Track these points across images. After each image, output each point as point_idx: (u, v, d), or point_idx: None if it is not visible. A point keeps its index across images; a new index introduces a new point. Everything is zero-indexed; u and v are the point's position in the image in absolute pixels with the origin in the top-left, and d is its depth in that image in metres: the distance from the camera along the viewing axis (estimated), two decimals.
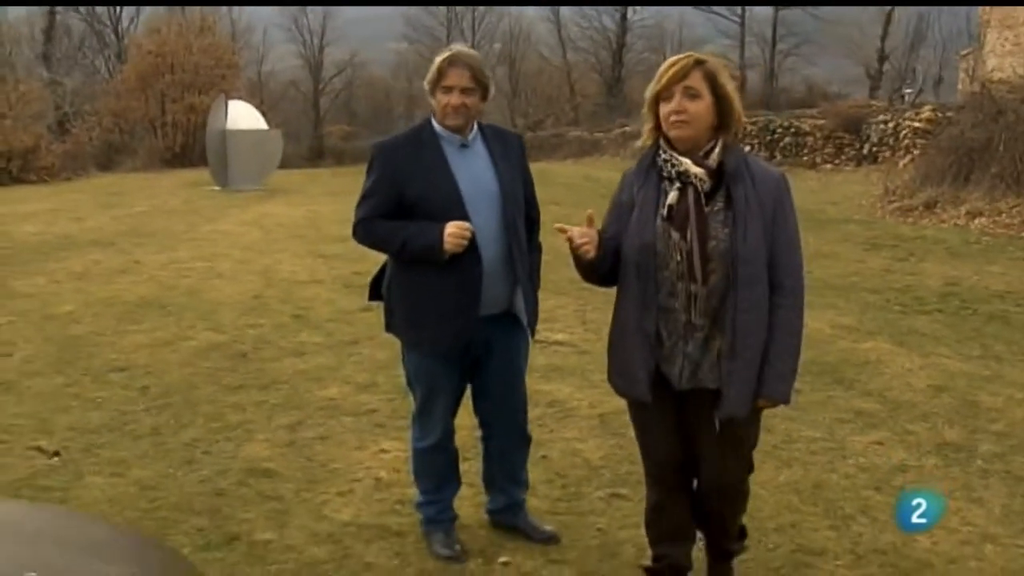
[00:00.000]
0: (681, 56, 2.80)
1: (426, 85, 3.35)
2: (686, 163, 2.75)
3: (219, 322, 7.39)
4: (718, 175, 2.76)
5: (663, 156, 2.80)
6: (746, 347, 2.73)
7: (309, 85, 55.87)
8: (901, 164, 18.15)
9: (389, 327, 3.60)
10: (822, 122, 22.42)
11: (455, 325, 3.33)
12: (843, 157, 21.75)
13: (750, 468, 3.08)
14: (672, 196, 2.76)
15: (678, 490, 3.10)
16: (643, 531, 3.70)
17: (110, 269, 9.91)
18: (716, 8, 53.73)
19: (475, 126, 3.41)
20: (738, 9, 53.32)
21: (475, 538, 3.71)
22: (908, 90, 41.29)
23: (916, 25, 52.25)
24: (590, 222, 2.83)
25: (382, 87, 62.23)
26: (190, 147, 31.83)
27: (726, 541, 3.17)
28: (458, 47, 3.40)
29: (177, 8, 38.32)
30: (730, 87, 2.77)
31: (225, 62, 34.78)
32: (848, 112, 22.35)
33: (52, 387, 5.72)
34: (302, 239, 12.26)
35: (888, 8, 50.56)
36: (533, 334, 3.56)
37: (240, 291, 8.66)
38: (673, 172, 2.77)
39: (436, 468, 3.67)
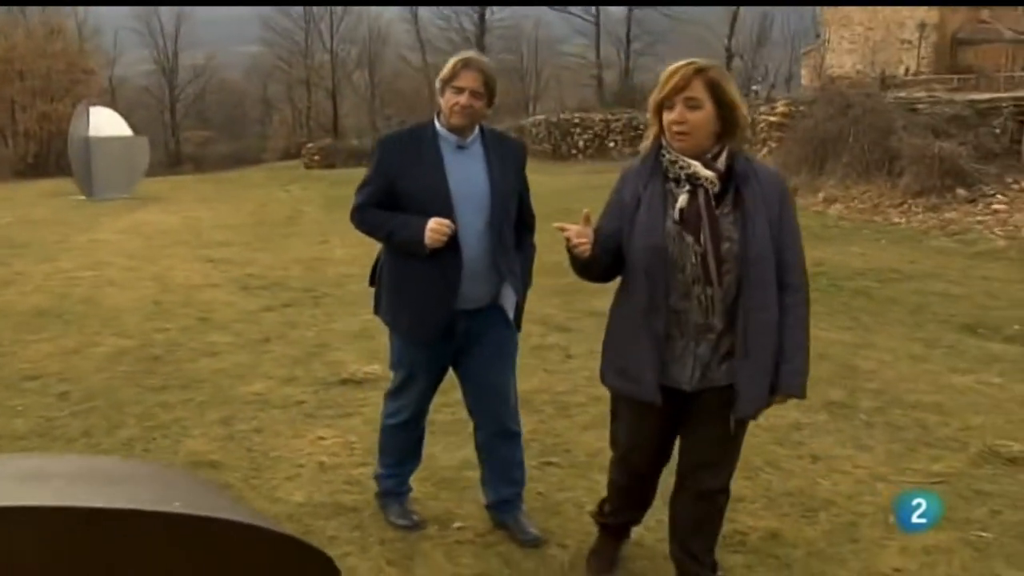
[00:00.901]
0: (682, 64, 2.78)
1: (438, 83, 3.46)
2: (696, 166, 2.75)
3: (123, 328, 7.39)
4: (725, 178, 2.78)
5: (669, 157, 2.80)
6: (759, 347, 2.76)
7: (163, 90, 54.39)
8: (760, 156, 19.12)
9: (376, 310, 3.77)
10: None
11: (432, 315, 3.48)
12: None
13: (733, 467, 3.08)
14: (683, 199, 2.77)
15: (652, 477, 3.23)
16: (580, 493, 4.09)
17: None
18: (571, 8, 54.91)
19: (477, 129, 3.52)
20: (592, 9, 54.62)
21: (428, 508, 3.98)
22: (755, 87, 43.07)
23: (760, 24, 54.64)
24: (586, 221, 2.84)
25: (236, 91, 61.14)
26: (44, 157, 30.68)
27: (699, 569, 3.16)
28: (471, 52, 3.57)
29: (17, 9, 36.81)
30: (734, 94, 2.75)
31: (79, 67, 33.62)
32: None
33: None
34: (185, 245, 12.18)
35: (734, 8, 52.69)
36: (518, 328, 3.68)
37: (137, 297, 8.63)
38: (682, 175, 2.77)
39: (401, 444, 3.86)
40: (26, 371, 6.23)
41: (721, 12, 53.28)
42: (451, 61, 3.45)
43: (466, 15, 54.50)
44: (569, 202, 15.98)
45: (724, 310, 2.78)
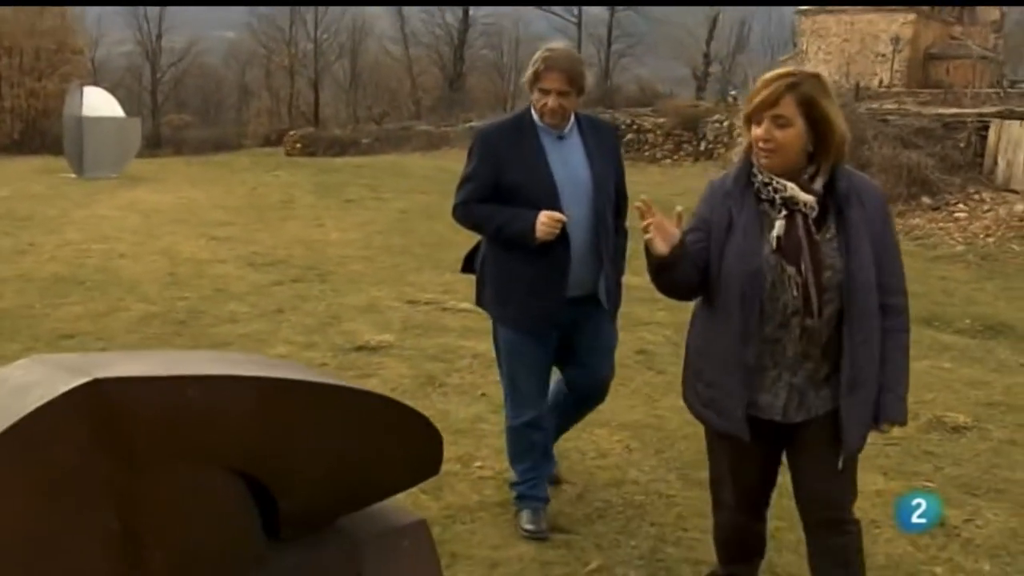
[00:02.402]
0: (775, 76, 2.60)
1: (523, 82, 3.53)
2: (792, 189, 2.57)
3: (146, 295, 7.89)
4: (824, 199, 2.60)
5: (761, 179, 2.62)
6: (866, 379, 2.62)
7: (146, 72, 54.43)
8: (736, 160, 19.77)
9: (479, 301, 3.79)
10: (662, 120, 24.00)
11: (542, 305, 3.49)
12: (681, 153, 23.40)
13: (854, 495, 2.85)
14: (779, 226, 2.59)
15: (762, 510, 3.03)
16: (582, 443, 4.68)
17: (7, 250, 10.11)
18: (554, 8, 55.51)
19: (572, 117, 3.53)
20: (575, 9, 55.25)
21: (448, 451, 4.55)
22: (732, 92, 43.82)
23: (739, 31, 55.53)
24: (679, 219, 2.64)
25: (214, 76, 61.22)
26: (30, 134, 30.87)
27: None
28: (555, 46, 3.60)
29: None
30: (831, 111, 2.55)
31: (69, 47, 33.77)
32: (686, 111, 24.06)
33: (12, 352, 6.16)
34: (185, 223, 12.61)
35: (714, 14, 53.52)
36: (614, 317, 3.73)
37: (150, 269, 9.12)
38: (777, 198, 2.59)
39: (529, 445, 3.76)
40: (61, 330, 6.74)
41: (701, 17, 54.11)
42: (533, 60, 3.49)
43: (450, 10, 54.99)
44: None
45: (823, 341, 2.63)
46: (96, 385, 1.88)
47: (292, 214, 13.83)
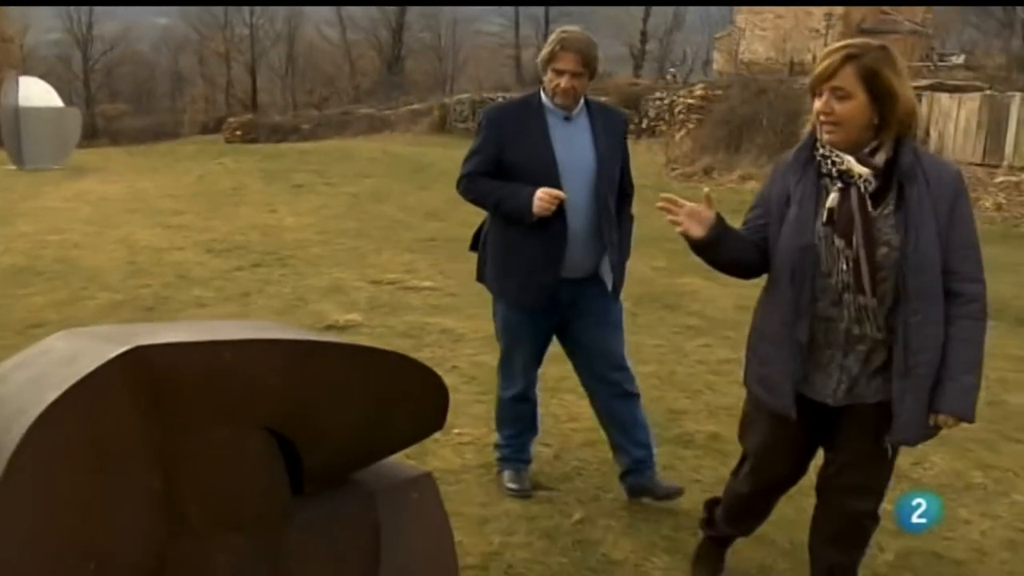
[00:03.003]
0: (836, 47, 2.56)
1: (538, 62, 3.59)
2: (849, 161, 2.51)
3: (108, 283, 7.94)
4: (887, 174, 2.52)
5: (822, 151, 2.56)
6: (920, 364, 2.52)
7: (76, 61, 53.38)
8: (678, 136, 20.20)
9: (480, 277, 3.87)
10: (604, 99, 24.28)
11: (538, 282, 3.56)
12: None
13: (882, 495, 2.84)
14: (832, 198, 2.53)
15: (778, 492, 3.04)
16: (553, 408, 4.90)
17: None
18: None
19: (582, 101, 3.59)
20: None
21: None
22: (672, 69, 44.31)
23: (675, 8, 55.96)
24: (708, 202, 2.66)
25: (146, 64, 60.18)
26: None
27: None
28: (570, 29, 3.58)
29: None
30: (895, 82, 2.47)
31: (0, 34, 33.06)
32: (627, 89, 24.39)
33: None
34: (138, 212, 12.59)
35: None
36: (617, 298, 3.75)
37: (110, 259, 9.15)
38: (834, 170, 2.53)
39: (516, 415, 3.96)
40: (28, 319, 6.77)
41: None
42: (549, 42, 3.57)
43: None
44: None
45: (879, 320, 2.55)
46: (139, 352, 2.05)
47: (243, 200, 13.85)
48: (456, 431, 4.58)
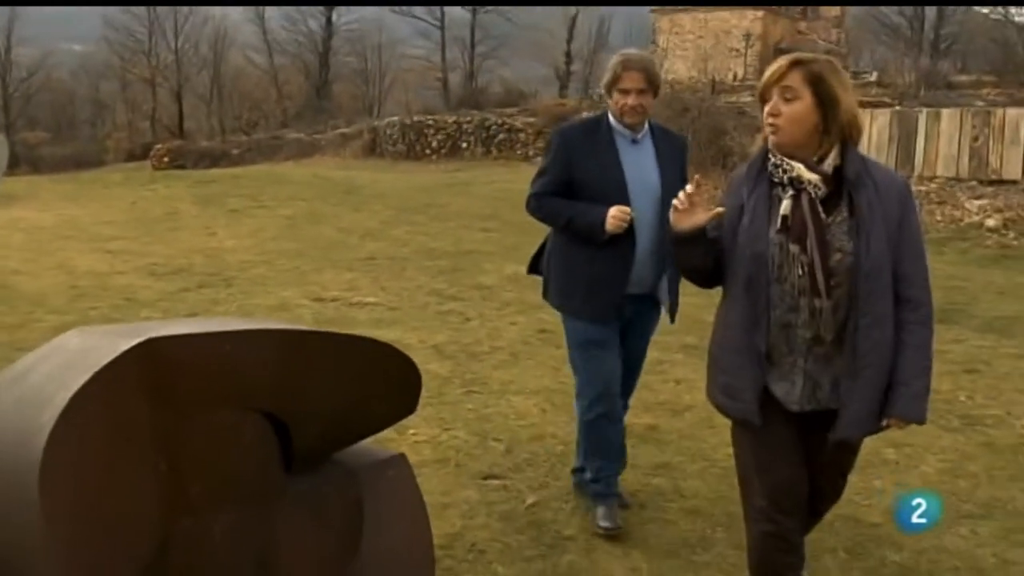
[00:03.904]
0: (784, 57, 2.67)
1: (603, 86, 3.68)
2: (798, 168, 2.58)
3: (55, 307, 8.04)
4: (836, 181, 2.60)
5: (773, 161, 2.64)
6: (867, 365, 2.58)
7: None
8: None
9: (545, 295, 3.94)
10: (532, 119, 24.80)
11: (604, 297, 3.63)
12: None
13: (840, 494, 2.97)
14: (785, 205, 2.60)
15: (797, 515, 2.84)
16: (502, 408, 5.21)
17: None
18: (416, 11, 55.92)
19: (647, 125, 3.71)
20: (437, 12, 55.79)
21: None
22: (599, 90, 45.03)
23: (598, 30, 57.00)
24: (697, 185, 2.70)
25: (65, 91, 59.34)
26: None
27: None
28: (628, 51, 3.74)
29: None
30: (838, 90, 2.57)
31: None
32: (555, 110, 24.89)
33: None
34: (73, 239, 12.57)
35: (573, 14, 54.85)
36: (673, 319, 3.86)
37: (52, 283, 9.21)
38: (785, 178, 2.61)
39: (603, 440, 3.82)
40: None
41: (560, 18, 55.34)
42: (611, 65, 3.66)
43: (313, 17, 54.85)
44: (433, 196, 17.20)
45: (835, 324, 2.61)
46: (151, 343, 2.32)
47: (180, 225, 13.92)
48: (411, 431, 4.85)
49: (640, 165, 3.63)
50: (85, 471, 2.21)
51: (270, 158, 35.41)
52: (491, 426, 4.94)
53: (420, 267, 10.10)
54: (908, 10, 53.14)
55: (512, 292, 8.61)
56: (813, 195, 2.58)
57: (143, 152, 40.45)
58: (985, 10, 47.12)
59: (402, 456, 2.97)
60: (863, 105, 18.63)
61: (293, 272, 9.82)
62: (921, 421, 2.68)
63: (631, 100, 3.56)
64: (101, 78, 57.12)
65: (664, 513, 3.83)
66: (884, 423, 2.65)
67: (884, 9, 53.99)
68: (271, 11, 54.75)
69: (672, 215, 2.70)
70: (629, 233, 3.53)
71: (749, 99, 20.22)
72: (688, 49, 44.75)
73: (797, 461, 2.78)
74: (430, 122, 27.80)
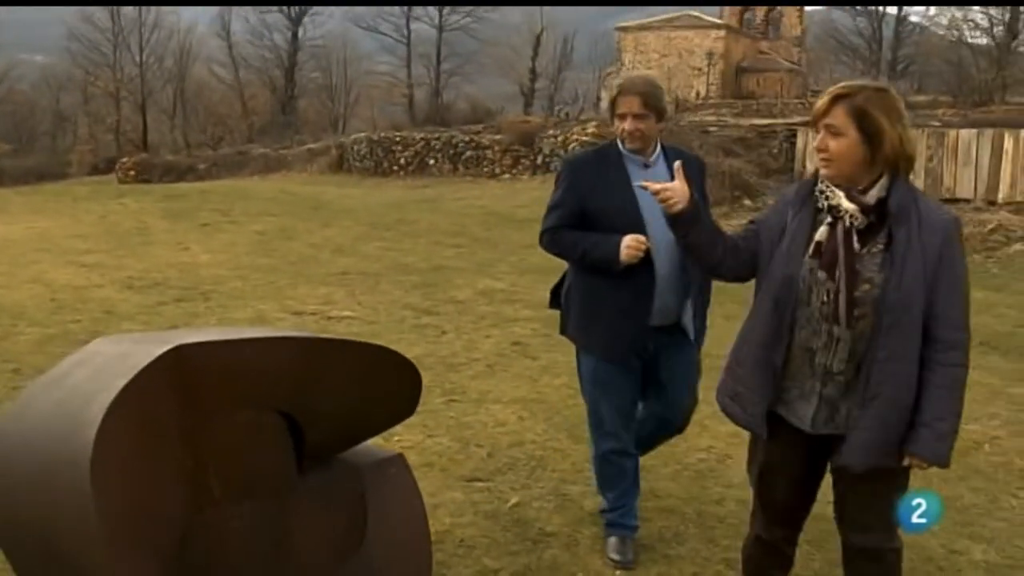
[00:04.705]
0: (834, 88, 2.64)
1: (605, 111, 3.65)
2: (839, 196, 2.59)
3: (36, 320, 8.17)
4: (879, 213, 2.58)
5: (819, 187, 2.66)
6: (876, 396, 2.57)
7: None
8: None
9: (564, 330, 3.81)
10: (499, 137, 25.06)
11: (626, 331, 3.53)
12: (519, 167, 24.49)
13: (888, 529, 2.78)
14: (821, 231, 2.61)
15: (791, 531, 2.97)
16: (481, 416, 5.44)
17: None
18: (382, 27, 56.23)
19: (658, 147, 3.58)
20: (403, 28, 56.14)
21: None
22: (563, 108, 45.51)
23: (562, 48, 57.55)
24: (679, 173, 2.81)
25: (26, 102, 58.87)
26: None
27: None
28: (632, 74, 3.66)
29: None
30: (883, 123, 2.53)
31: None
32: (522, 127, 25.19)
33: None
34: (46, 252, 12.67)
35: (537, 31, 55.38)
36: (699, 347, 3.74)
37: (29, 296, 9.33)
38: (826, 205, 2.62)
39: (617, 472, 3.79)
40: None
41: (525, 35, 55.83)
42: (611, 88, 3.59)
43: (279, 31, 54.96)
44: (402, 213, 17.42)
45: (853, 354, 2.61)
46: (180, 350, 2.55)
47: (152, 239, 14.05)
48: (396, 438, 5.07)
49: None
50: (127, 465, 2.42)
51: (236, 173, 35.37)
52: (472, 433, 5.17)
53: (394, 282, 10.32)
54: (867, 31, 54.26)
55: (486, 306, 8.86)
56: (848, 224, 2.58)
57: (107, 165, 40.25)
58: (941, 32, 48.23)
59: (401, 456, 3.21)
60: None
61: (268, 287, 10.00)
62: (943, 464, 2.64)
63: (628, 125, 3.47)
64: (63, 90, 56.74)
65: (640, 512, 4.08)
66: (905, 461, 2.63)
67: (843, 29, 55.09)
68: (237, 26, 54.87)
69: (666, 203, 2.74)
70: (647, 262, 3.43)
71: (712, 118, 20.71)
72: (652, 67, 45.31)
73: (799, 483, 2.83)
74: (398, 138, 27.99)
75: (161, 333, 2.92)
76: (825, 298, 2.59)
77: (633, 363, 3.61)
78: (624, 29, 48.72)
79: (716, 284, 3.68)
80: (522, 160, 24.59)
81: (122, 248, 12.97)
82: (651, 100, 3.46)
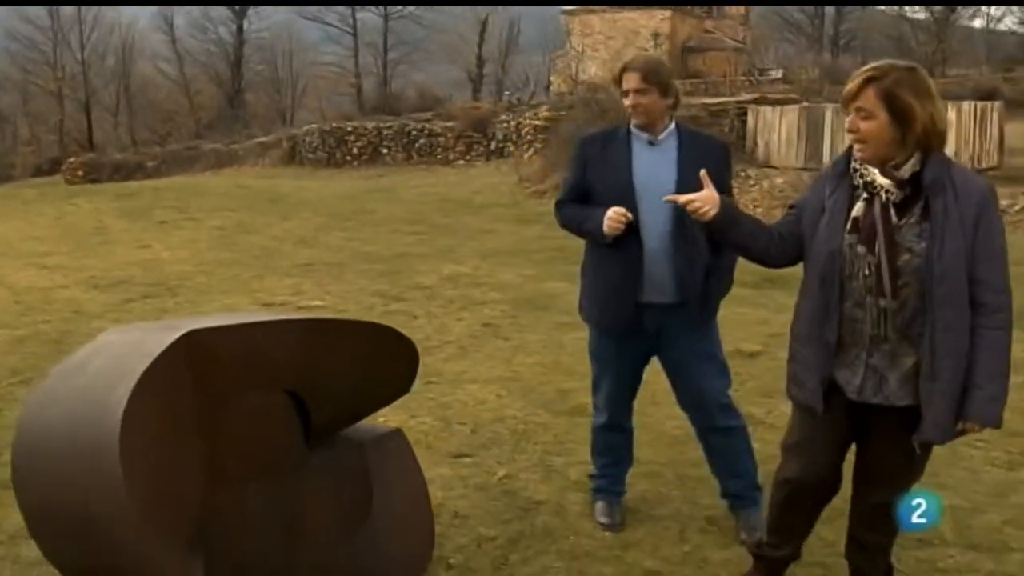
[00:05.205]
0: (863, 69, 2.72)
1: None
2: (874, 173, 2.69)
3: (5, 322, 8.11)
4: (915, 186, 2.67)
5: (854, 164, 2.76)
6: (944, 368, 2.64)
7: None
8: (527, 156, 21.23)
9: (580, 307, 3.90)
10: (452, 124, 25.21)
11: (617, 305, 3.61)
12: (473, 154, 24.68)
13: (907, 490, 2.95)
14: (858, 207, 2.72)
15: (824, 501, 3.11)
16: (460, 396, 5.59)
17: None
18: (327, 16, 55.86)
19: (672, 127, 3.64)
20: (349, 18, 55.83)
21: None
22: (511, 93, 45.63)
23: (508, 33, 57.62)
24: (705, 180, 2.91)
25: None
26: None
27: (870, 568, 3.14)
28: (633, 56, 3.77)
29: None
30: (913, 103, 2.61)
31: None
32: (474, 113, 25.33)
33: None
34: (3, 256, 12.49)
35: (483, 16, 55.39)
36: (704, 326, 3.71)
37: None
38: (861, 182, 2.72)
39: (609, 445, 3.97)
40: None
41: (472, 21, 55.85)
42: (616, 71, 3.71)
43: (223, 24, 54.39)
44: (360, 203, 17.47)
45: (900, 324, 2.70)
46: (192, 335, 2.67)
47: (111, 238, 13.96)
48: (381, 419, 5.20)
49: (655, 168, 3.55)
50: (151, 447, 2.54)
51: (187, 169, 35.11)
52: (453, 412, 5.32)
53: (359, 271, 10.40)
54: (809, 8, 54.92)
55: (453, 291, 8.99)
56: (885, 199, 2.68)
57: (52, 166, 39.79)
58: (882, 7, 49.03)
59: (400, 431, 3.36)
60: (770, 103, 19.53)
61: (234, 280, 10.04)
62: (996, 425, 2.72)
63: (629, 100, 3.55)
64: (1, 90, 55.74)
65: None
66: (959, 426, 2.72)
67: (787, 8, 55.69)
68: (180, 20, 54.27)
69: (698, 213, 2.87)
70: (636, 236, 3.51)
71: None
72: (600, 50, 45.64)
73: (837, 458, 2.98)
74: (350, 129, 28.00)
75: (167, 321, 3.04)
76: (867, 271, 2.69)
77: (632, 339, 3.68)
78: (570, 13, 48.85)
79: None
80: (475, 146, 24.77)
81: (81, 249, 12.88)
82: (651, 75, 3.53)
